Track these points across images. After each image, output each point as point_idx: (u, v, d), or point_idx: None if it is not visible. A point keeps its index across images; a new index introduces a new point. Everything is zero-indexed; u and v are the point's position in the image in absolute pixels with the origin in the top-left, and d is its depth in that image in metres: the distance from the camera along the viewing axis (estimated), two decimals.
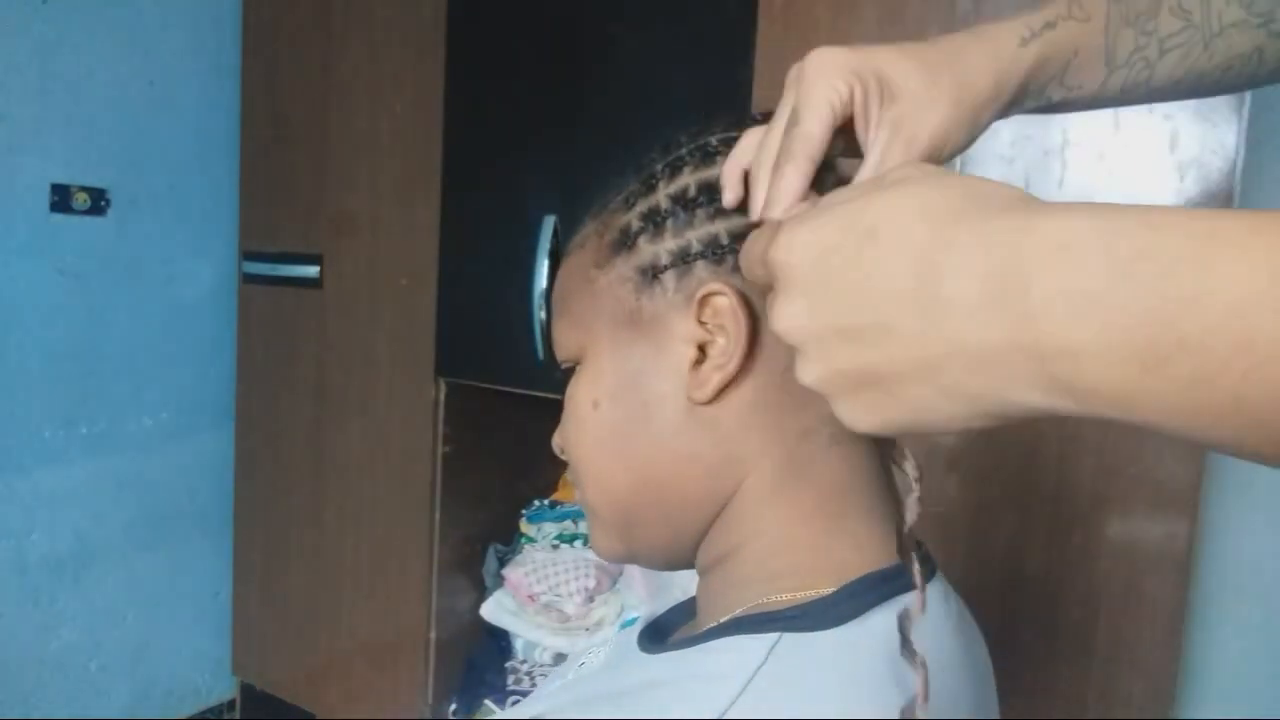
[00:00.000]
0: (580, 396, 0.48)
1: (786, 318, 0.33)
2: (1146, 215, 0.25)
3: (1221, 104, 0.96)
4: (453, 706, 1.70)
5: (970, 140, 0.44)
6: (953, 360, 0.28)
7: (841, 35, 1.15)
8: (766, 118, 0.43)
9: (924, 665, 0.35)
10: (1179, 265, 0.23)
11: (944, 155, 0.42)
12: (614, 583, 1.63)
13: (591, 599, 1.59)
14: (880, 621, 0.40)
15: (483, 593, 1.74)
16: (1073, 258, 0.25)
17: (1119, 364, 0.24)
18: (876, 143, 0.41)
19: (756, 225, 0.40)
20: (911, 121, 0.41)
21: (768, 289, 0.36)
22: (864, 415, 0.33)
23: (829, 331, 0.32)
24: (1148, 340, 0.24)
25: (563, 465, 0.52)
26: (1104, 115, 1.02)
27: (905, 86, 0.41)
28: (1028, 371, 0.27)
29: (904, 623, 0.37)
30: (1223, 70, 0.47)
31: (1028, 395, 0.27)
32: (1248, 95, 0.95)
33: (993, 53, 0.43)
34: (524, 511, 1.77)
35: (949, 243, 0.28)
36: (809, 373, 0.33)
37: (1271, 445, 0.23)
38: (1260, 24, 0.45)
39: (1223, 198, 0.97)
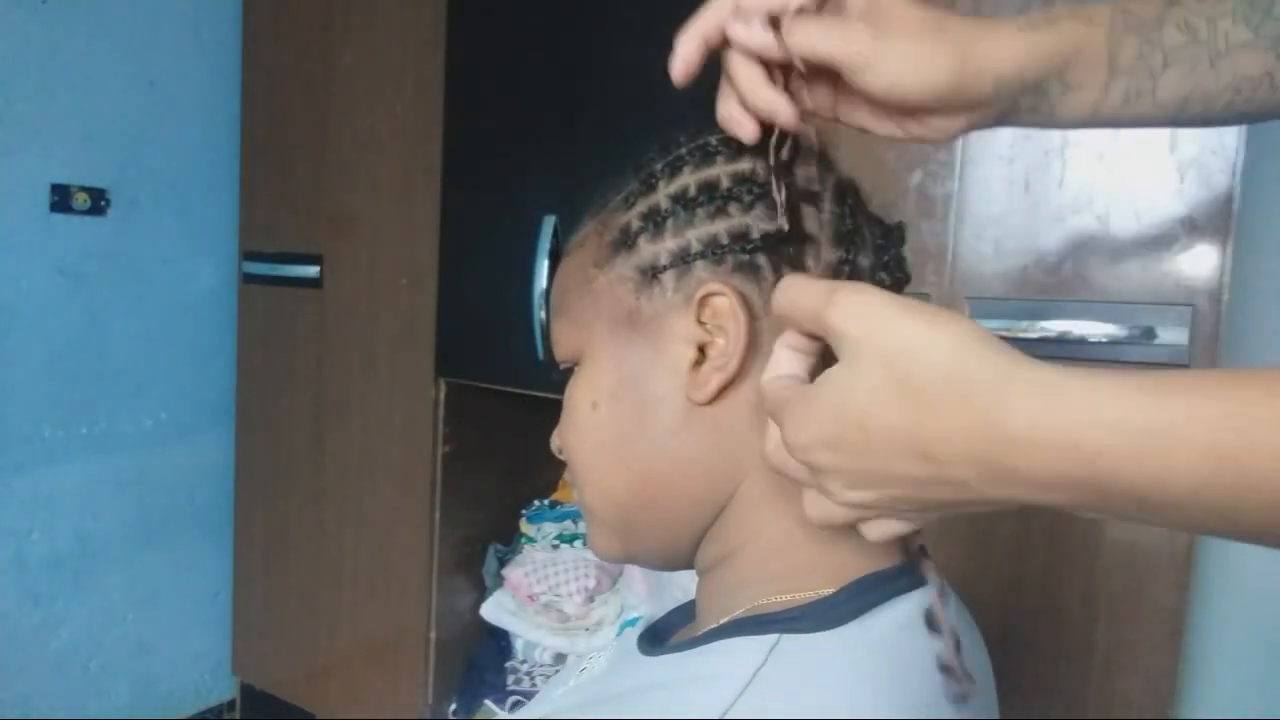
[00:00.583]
0: (579, 397, 0.48)
1: (797, 437, 0.36)
2: (1097, 403, 0.29)
3: None
4: (453, 706, 1.70)
5: (955, 90, 0.42)
6: (964, 505, 0.34)
7: None
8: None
9: (954, 634, 0.39)
10: (1132, 454, 0.28)
11: (921, 85, 0.41)
12: (614, 583, 1.63)
13: (591, 599, 1.59)
14: (880, 622, 0.40)
15: (483, 593, 1.74)
16: (1035, 443, 0.30)
17: (1102, 507, 0.31)
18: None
19: None
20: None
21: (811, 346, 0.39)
22: (887, 529, 0.37)
23: (863, 503, 0.35)
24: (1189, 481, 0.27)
25: (563, 465, 0.52)
26: None
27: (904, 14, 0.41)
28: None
29: (931, 611, 0.40)
30: (1232, 92, 0.46)
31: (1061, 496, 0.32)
32: None
33: (989, 31, 0.43)
34: (524, 511, 1.77)
35: (932, 430, 0.32)
36: (841, 494, 0.36)
37: None
38: (1269, 47, 0.44)
39: (1223, 198, 0.97)
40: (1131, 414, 0.28)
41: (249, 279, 1.97)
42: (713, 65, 0.45)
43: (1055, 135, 1.04)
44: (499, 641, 1.71)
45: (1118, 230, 1.02)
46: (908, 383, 0.32)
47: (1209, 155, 0.97)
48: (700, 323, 0.43)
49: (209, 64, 1.96)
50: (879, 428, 0.33)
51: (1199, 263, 0.98)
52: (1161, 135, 0.99)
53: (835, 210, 0.45)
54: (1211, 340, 0.98)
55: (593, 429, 0.47)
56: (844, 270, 0.43)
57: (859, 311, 0.34)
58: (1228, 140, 0.96)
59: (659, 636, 0.53)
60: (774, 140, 0.43)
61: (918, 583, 0.44)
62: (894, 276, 0.46)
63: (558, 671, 0.61)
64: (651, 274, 0.44)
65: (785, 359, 0.39)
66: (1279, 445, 0.25)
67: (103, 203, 1.80)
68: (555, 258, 1.40)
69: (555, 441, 0.52)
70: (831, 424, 0.34)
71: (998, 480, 0.31)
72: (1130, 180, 1.01)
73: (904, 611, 0.42)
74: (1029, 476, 0.30)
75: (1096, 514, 0.31)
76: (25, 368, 1.71)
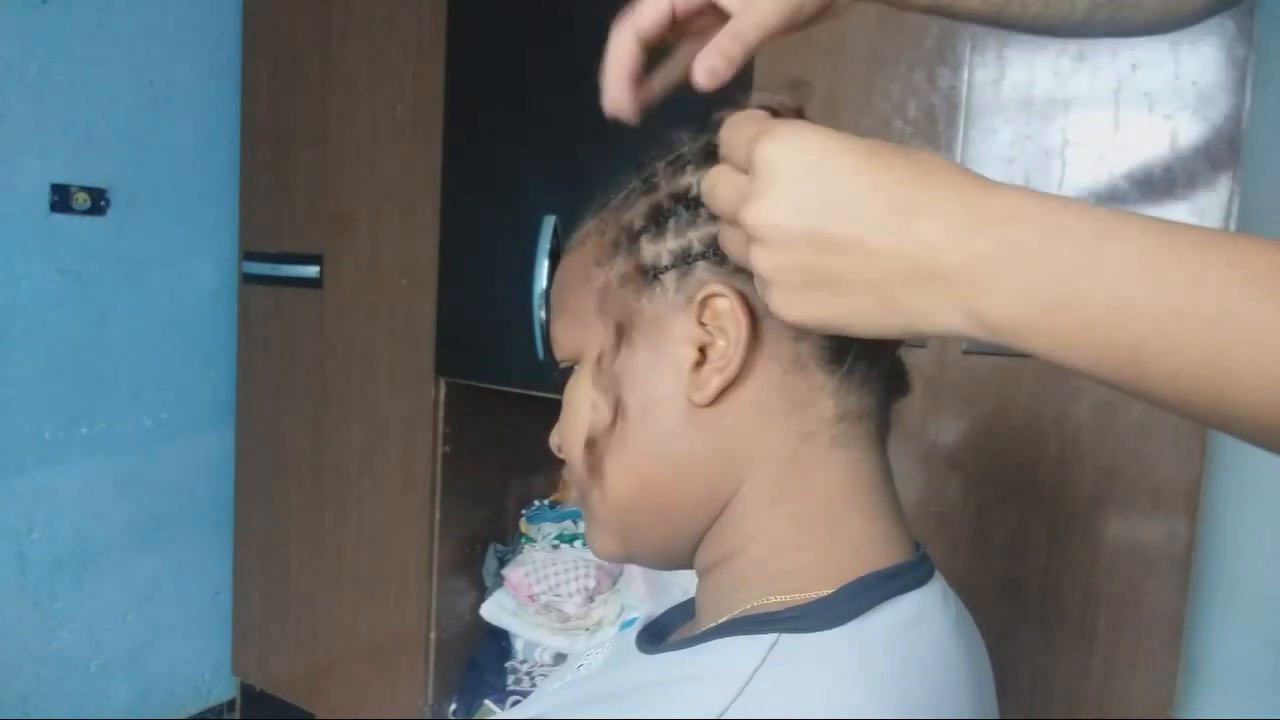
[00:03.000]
0: (579, 397, 0.48)
1: (764, 211, 0.36)
2: (1071, 205, 0.32)
3: (1221, 104, 0.96)
4: (453, 706, 1.70)
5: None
6: (905, 282, 0.34)
7: (840, 33, 1.15)
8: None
9: None
10: (1087, 240, 0.30)
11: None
12: (614, 583, 1.63)
13: (591, 599, 1.59)
14: (879, 622, 0.40)
15: (483, 593, 1.74)
16: (1018, 224, 0.32)
17: (1027, 306, 0.31)
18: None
19: None
20: None
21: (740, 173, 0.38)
22: (802, 310, 0.37)
23: (803, 230, 0.35)
24: (1050, 290, 0.31)
25: (562, 465, 0.52)
26: (1104, 115, 1.02)
27: None
28: (961, 303, 0.33)
29: None
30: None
31: (951, 319, 0.33)
32: (1247, 95, 0.95)
33: None
34: (524, 511, 1.77)
35: (932, 186, 0.34)
36: (764, 260, 0.36)
37: (1131, 384, 0.31)
38: None
39: (1223, 198, 0.97)
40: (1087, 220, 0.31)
41: (249, 279, 1.97)
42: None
43: (1055, 135, 1.04)
44: (499, 641, 1.71)
45: None
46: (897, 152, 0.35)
47: (1209, 155, 0.97)
48: (701, 324, 0.43)
49: (209, 64, 1.96)
50: (885, 156, 0.35)
51: None
52: (1161, 135, 0.99)
53: None
54: None
55: (592, 429, 0.47)
56: None
57: (808, 144, 0.36)
58: (1228, 140, 0.96)
59: (658, 634, 0.53)
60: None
61: (917, 582, 0.44)
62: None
63: (558, 668, 0.61)
64: (653, 274, 0.44)
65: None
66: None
67: (103, 203, 1.80)
68: (555, 257, 1.40)
69: (554, 439, 0.52)
70: (837, 143, 0.35)
71: (980, 225, 0.32)
72: (1130, 180, 1.01)
73: (903, 611, 0.42)
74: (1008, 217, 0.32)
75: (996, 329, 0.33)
76: (25, 367, 1.71)
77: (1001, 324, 0.32)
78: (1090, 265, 0.30)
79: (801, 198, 0.35)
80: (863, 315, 0.35)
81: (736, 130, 0.39)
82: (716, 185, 0.39)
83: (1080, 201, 0.32)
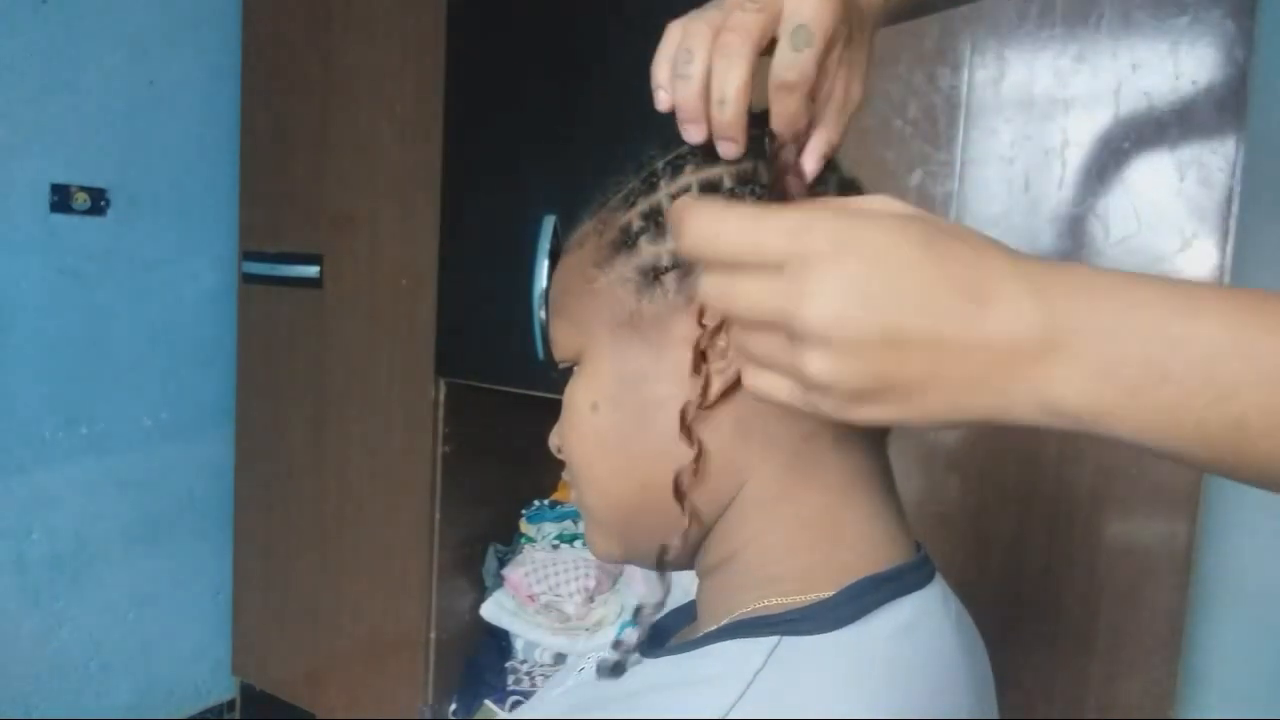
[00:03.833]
0: (578, 398, 0.48)
1: (828, 308, 0.31)
2: (1141, 279, 0.30)
3: (1221, 104, 0.96)
4: (453, 706, 1.70)
5: None
6: (983, 377, 0.31)
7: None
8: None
9: None
10: (1167, 314, 0.29)
11: None
12: (614, 583, 1.63)
13: (591, 599, 1.59)
14: (880, 624, 0.40)
15: (483, 593, 1.74)
16: (1091, 303, 0.30)
17: (1113, 390, 0.29)
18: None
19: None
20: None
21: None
22: (864, 414, 0.33)
23: (880, 328, 0.31)
24: (1135, 371, 0.29)
25: (562, 465, 0.51)
26: (1104, 115, 1.02)
27: None
28: (1039, 392, 0.30)
29: None
30: None
31: (1029, 410, 0.31)
32: (1247, 95, 0.95)
33: None
34: (524, 511, 1.77)
35: (995, 270, 0.31)
36: (824, 365, 0.32)
37: (1228, 464, 0.29)
38: None
39: (1223, 198, 0.97)
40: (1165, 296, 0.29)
41: (249, 279, 1.97)
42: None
43: (1055, 135, 1.04)
44: (499, 641, 1.71)
45: (1118, 230, 1.02)
46: (959, 240, 0.32)
47: (1209, 155, 0.97)
48: (702, 325, 0.43)
49: (209, 64, 1.96)
50: (918, 280, 0.31)
51: (1199, 263, 0.98)
52: (1162, 135, 0.99)
53: None
54: None
55: (592, 430, 0.47)
56: None
57: (862, 233, 0.32)
58: (1228, 140, 0.96)
59: (659, 637, 0.53)
60: (775, 140, 0.43)
61: (918, 584, 0.44)
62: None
63: (557, 672, 0.61)
64: (653, 275, 0.44)
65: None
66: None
67: (103, 203, 1.80)
68: (555, 258, 1.40)
69: (554, 440, 0.52)
70: (893, 229, 0.32)
71: (1053, 308, 0.30)
72: (1130, 180, 1.01)
73: (904, 614, 0.42)
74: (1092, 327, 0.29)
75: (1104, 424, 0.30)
76: (26, 368, 1.71)
77: (1083, 410, 0.30)
78: (1176, 341, 0.28)
79: (870, 291, 0.31)
80: (934, 414, 0.32)
81: (756, 225, 0.33)
82: (736, 289, 0.34)
83: (1145, 274, 0.30)
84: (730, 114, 0.39)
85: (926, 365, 0.31)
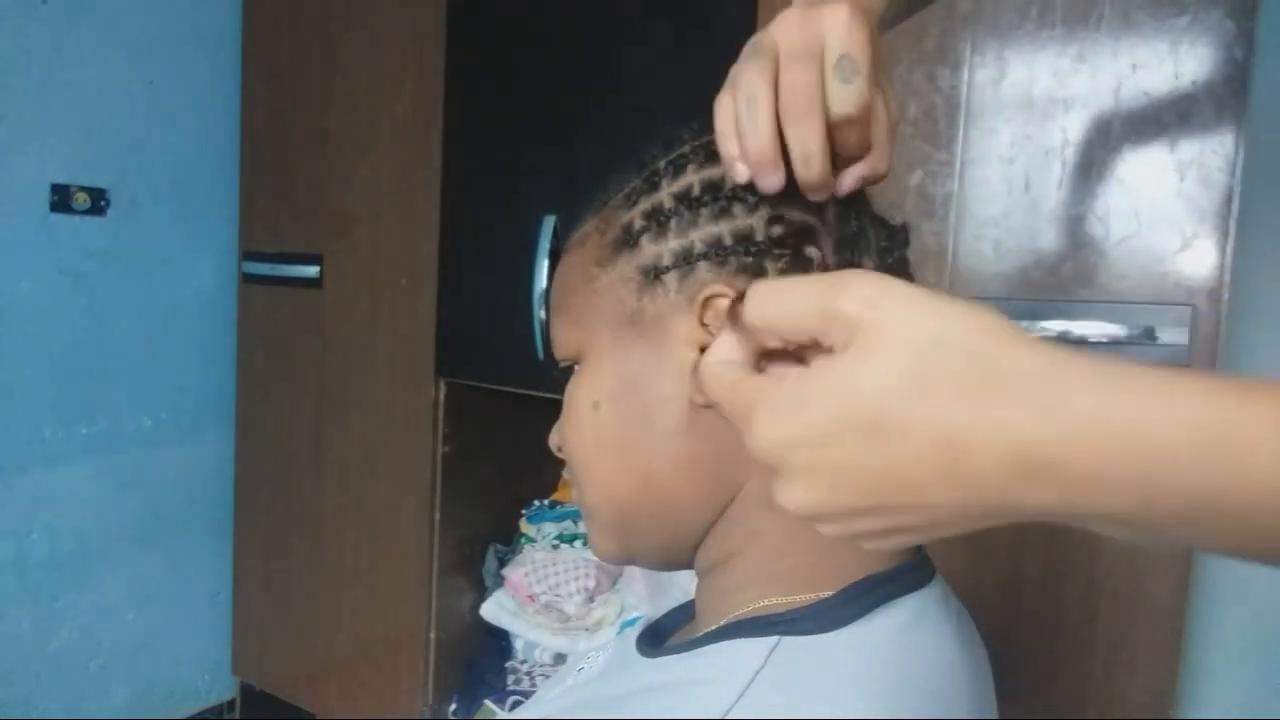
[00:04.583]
0: (580, 397, 0.48)
1: (798, 504, 0.32)
2: (1166, 400, 0.26)
3: (1221, 104, 0.96)
4: (453, 706, 1.70)
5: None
6: (981, 519, 0.30)
7: None
8: None
9: None
10: (1205, 454, 0.25)
11: None
12: (614, 583, 1.63)
13: (591, 599, 1.59)
14: (880, 624, 0.40)
15: (483, 593, 1.74)
16: (1096, 438, 0.27)
17: (1147, 519, 0.27)
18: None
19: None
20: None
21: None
22: (876, 545, 0.33)
23: (851, 509, 0.31)
24: (1180, 504, 0.26)
25: (563, 465, 0.52)
26: (1104, 115, 1.02)
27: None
28: (1060, 498, 0.28)
29: None
30: None
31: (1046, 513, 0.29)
32: (1247, 96, 0.95)
33: None
34: (524, 511, 1.77)
35: (968, 426, 0.28)
36: (829, 530, 0.33)
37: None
38: None
39: (1223, 198, 0.97)
40: (1207, 410, 0.25)
41: (249, 279, 1.97)
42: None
43: (1055, 135, 1.04)
44: (499, 641, 1.71)
45: (1118, 230, 1.02)
46: (942, 374, 0.28)
47: (1209, 155, 0.97)
48: (703, 324, 0.43)
49: (209, 64, 1.96)
50: (897, 424, 0.29)
51: (1199, 263, 0.98)
52: (1161, 135, 0.99)
53: (839, 211, 0.44)
54: (1211, 340, 0.98)
55: (593, 429, 0.47)
56: None
57: (877, 297, 0.30)
58: (1228, 140, 0.96)
59: (658, 637, 0.53)
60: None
61: (917, 584, 0.44)
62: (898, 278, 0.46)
63: (557, 671, 0.61)
64: (654, 274, 0.44)
65: (730, 344, 0.37)
66: None
67: (103, 203, 1.80)
68: (555, 257, 1.40)
69: (554, 439, 0.52)
70: (831, 420, 0.30)
71: (1035, 479, 0.27)
72: (1130, 180, 1.01)
73: (904, 613, 0.42)
74: (1076, 474, 0.27)
75: (1124, 526, 0.28)
76: (26, 367, 1.71)
77: (1132, 516, 0.27)
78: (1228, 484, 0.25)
79: (829, 481, 0.31)
80: (947, 530, 0.31)
81: (748, 427, 0.33)
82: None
83: (1127, 364, 0.27)
84: (816, 171, 0.40)
85: (919, 518, 0.31)
